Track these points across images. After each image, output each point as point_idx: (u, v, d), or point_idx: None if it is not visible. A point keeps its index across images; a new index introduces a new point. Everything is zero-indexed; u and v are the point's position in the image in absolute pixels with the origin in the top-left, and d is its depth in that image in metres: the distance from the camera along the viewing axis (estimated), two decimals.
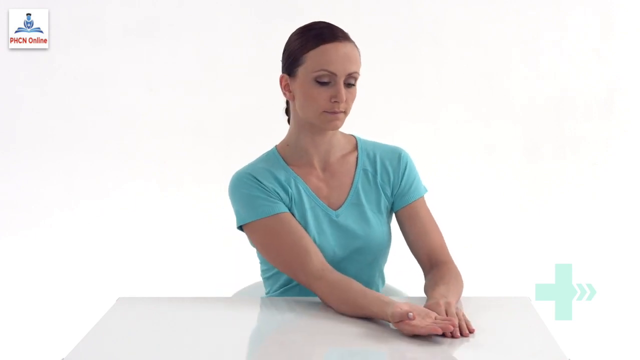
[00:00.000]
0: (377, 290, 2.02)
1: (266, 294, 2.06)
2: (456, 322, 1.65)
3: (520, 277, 3.59)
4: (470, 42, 3.85)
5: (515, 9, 3.84)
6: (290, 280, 1.98)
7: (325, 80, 1.88)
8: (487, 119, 3.88)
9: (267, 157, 1.99)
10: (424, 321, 1.65)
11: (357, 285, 1.80)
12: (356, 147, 2.03)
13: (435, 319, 1.66)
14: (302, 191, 1.95)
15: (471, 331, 1.67)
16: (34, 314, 3.69)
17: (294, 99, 1.94)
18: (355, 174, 2.00)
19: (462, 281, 1.91)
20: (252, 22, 3.82)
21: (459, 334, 1.64)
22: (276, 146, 2.01)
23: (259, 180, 1.92)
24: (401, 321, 1.65)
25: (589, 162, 3.89)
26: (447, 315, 1.69)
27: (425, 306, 1.73)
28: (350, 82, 1.90)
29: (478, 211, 3.88)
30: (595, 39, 3.85)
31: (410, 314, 1.63)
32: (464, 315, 1.70)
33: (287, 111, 2.01)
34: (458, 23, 3.85)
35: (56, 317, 3.64)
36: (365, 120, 3.67)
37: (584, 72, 3.86)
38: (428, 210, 2.03)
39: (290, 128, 1.99)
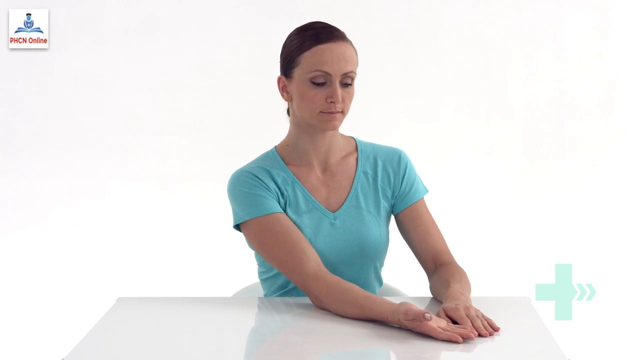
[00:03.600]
0: (374, 292, 2.01)
1: (264, 295, 2.05)
2: (476, 333, 1.65)
3: (520, 277, 3.59)
4: (470, 42, 3.85)
5: (515, 9, 3.84)
6: (287, 283, 1.97)
7: (321, 80, 1.87)
8: (487, 119, 3.88)
9: (266, 157, 1.98)
10: (439, 322, 1.65)
11: (356, 287, 1.80)
12: (356, 149, 2.02)
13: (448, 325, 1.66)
14: (299, 193, 1.94)
15: (495, 329, 1.66)
16: (34, 314, 3.69)
17: (291, 100, 1.93)
18: (355, 176, 1.99)
19: (468, 279, 1.91)
20: (253, 22, 3.82)
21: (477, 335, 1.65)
22: (276, 146, 2.00)
23: (259, 178, 1.92)
24: (415, 320, 1.65)
25: (588, 162, 3.89)
26: (467, 317, 1.68)
27: (443, 308, 1.72)
28: (346, 82, 1.89)
29: (478, 211, 3.88)
30: (595, 39, 3.85)
31: (427, 315, 1.63)
32: (483, 315, 1.70)
33: (289, 111, 2.01)
34: (458, 23, 3.85)
35: (56, 317, 3.64)
36: (365, 120, 3.67)
37: (583, 72, 3.86)
38: (429, 211, 2.03)
39: (289, 129, 1.98)
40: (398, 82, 3.86)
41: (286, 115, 2.02)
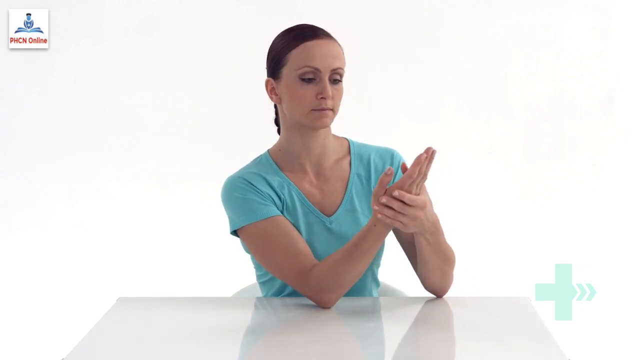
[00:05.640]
0: (371, 294, 2.01)
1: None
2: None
3: (520, 277, 3.59)
4: (470, 42, 3.85)
5: (515, 9, 3.84)
6: (285, 286, 1.96)
7: (310, 76, 1.86)
8: (487, 119, 3.88)
9: (260, 162, 1.96)
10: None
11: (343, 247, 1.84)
12: (349, 152, 2.00)
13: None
14: (295, 197, 1.93)
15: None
16: (34, 313, 3.69)
17: (280, 101, 1.92)
18: (349, 179, 1.97)
19: (454, 255, 1.91)
20: (253, 22, 3.82)
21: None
22: (268, 150, 1.98)
23: (252, 184, 1.90)
24: (380, 186, 1.73)
25: (588, 162, 3.89)
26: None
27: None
28: (335, 79, 1.88)
29: (478, 211, 3.88)
30: (595, 39, 3.85)
31: (389, 171, 1.72)
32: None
33: (277, 122, 2.00)
34: (458, 23, 3.85)
35: (56, 317, 3.64)
36: (365, 120, 3.68)
37: (583, 72, 3.86)
38: None
39: (281, 133, 1.97)
40: (398, 82, 3.86)
41: (274, 125, 2.00)
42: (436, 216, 1.80)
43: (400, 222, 1.72)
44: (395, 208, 1.71)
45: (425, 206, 1.73)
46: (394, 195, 1.71)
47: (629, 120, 3.88)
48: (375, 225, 1.77)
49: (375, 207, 1.73)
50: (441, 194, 3.75)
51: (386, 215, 1.72)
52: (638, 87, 3.87)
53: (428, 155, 1.71)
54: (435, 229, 1.80)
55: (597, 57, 3.86)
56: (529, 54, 3.86)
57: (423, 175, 1.73)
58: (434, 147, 1.71)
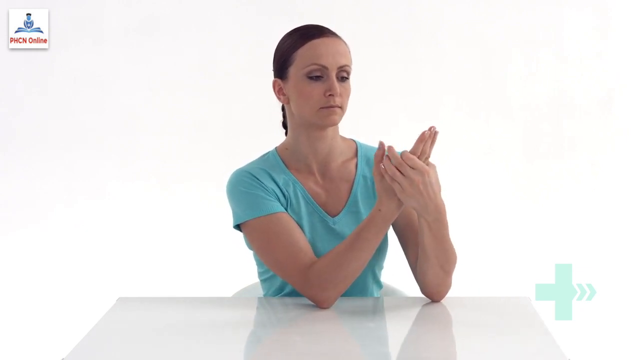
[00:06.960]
0: (372, 296, 2.00)
1: (263, 296, 2.05)
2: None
3: (520, 277, 3.59)
4: (470, 42, 3.85)
5: (515, 9, 3.85)
6: (285, 284, 1.96)
7: (317, 74, 1.87)
8: (487, 119, 3.88)
9: (267, 159, 1.97)
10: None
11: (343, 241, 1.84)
12: (356, 153, 2.00)
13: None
14: (300, 196, 1.93)
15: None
16: (34, 313, 3.69)
17: (288, 102, 1.92)
18: (354, 181, 1.97)
19: (455, 254, 1.89)
20: (253, 22, 3.83)
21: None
22: (276, 148, 1.99)
23: (258, 179, 1.91)
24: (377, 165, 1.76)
25: (588, 161, 3.89)
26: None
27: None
28: (343, 76, 1.88)
29: (478, 211, 3.88)
30: (595, 39, 3.85)
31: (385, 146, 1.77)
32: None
33: (285, 124, 2.00)
34: (458, 23, 3.85)
35: (56, 317, 3.64)
36: (365, 120, 3.68)
37: (583, 72, 3.86)
38: None
39: (288, 133, 1.97)
40: (398, 82, 3.86)
41: (282, 127, 2.00)
42: (442, 202, 1.79)
43: (399, 183, 1.73)
44: (394, 162, 1.73)
45: (425, 173, 1.73)
46: (390, 148, 1.75)
47: (628, 120, 3.88)
48: (380, 210, 1.77)
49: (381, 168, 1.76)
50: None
51: (386, 170, 1.74)
52: (638, 87, 3.87)
53: (431, 133, 1.72)
54: (439, 215, 1.78)
55: (597, 57, 3.86)
56: (529, 54, 3.86)
57: (427, 155, 1.74)
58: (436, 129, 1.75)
